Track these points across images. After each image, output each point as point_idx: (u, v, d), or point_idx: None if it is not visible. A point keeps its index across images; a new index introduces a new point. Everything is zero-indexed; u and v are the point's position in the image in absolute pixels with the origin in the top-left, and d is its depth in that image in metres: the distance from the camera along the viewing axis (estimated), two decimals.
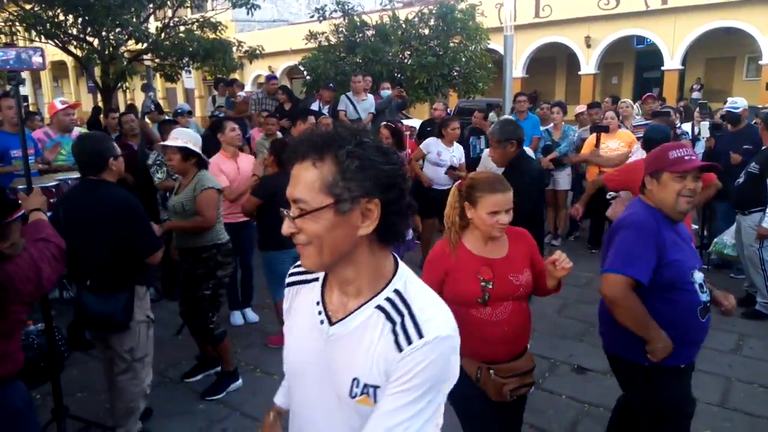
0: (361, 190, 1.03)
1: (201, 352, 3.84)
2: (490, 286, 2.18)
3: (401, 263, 1.15)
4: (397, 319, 1.06)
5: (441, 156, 5.72)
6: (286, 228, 1.06)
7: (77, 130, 5.26)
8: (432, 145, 5.78)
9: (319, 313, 1.16)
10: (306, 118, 5.41)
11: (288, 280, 1.29)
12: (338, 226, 1.04)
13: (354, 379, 1.08)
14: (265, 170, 4.44)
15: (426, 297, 1.12)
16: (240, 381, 3.69)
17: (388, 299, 1.10)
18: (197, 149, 3.44)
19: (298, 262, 1.19)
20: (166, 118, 6.79)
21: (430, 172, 5.79)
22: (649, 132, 4.34)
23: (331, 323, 1.13)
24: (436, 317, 1.07)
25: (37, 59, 2.73)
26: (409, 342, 1.03)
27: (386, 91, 8.03)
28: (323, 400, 1.15)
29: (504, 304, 2.21)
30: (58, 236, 2.29)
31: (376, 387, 1.07)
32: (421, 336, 1.03)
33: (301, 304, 1.23)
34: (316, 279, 1.21)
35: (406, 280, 1.12)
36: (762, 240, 4.43)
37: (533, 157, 5.13)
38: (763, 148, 4.72)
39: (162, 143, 3.80)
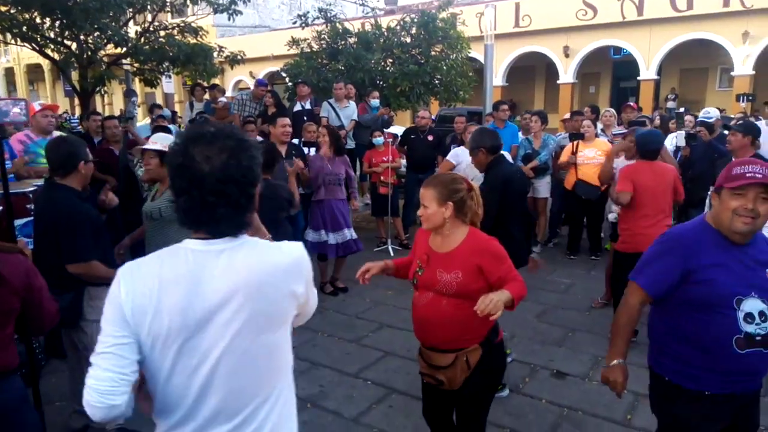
0: None
1: None
2: (420, 273, 2.45)
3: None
4: None
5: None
6: None
7: (56, 134, 5.21)
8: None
9: None
10: (275, 122, 5.51)
11: None
12: None
13: None
14: None
15: None
16: None
17: None
18: None
19: None
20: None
21: None
22: (646, 144, 4.29)
23: None
24: None
25: (17, 110, 2.79)
26: None
27: (375, 101, 8.07)
28: None
29: (426, 293, 2.41)
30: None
31: None
32: None
33: None
34: None
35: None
36: None
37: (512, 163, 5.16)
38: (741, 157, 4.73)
39: (141, 147, 3.75)
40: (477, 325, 2.31)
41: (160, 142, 3.42)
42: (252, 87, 9.07)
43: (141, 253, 3.53)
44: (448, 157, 5.78)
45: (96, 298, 2.93)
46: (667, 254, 2.07)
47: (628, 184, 4.29)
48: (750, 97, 10.39)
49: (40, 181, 4.56)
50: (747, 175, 1.92)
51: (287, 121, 5.53)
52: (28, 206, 4.04)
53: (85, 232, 2.84)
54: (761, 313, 1.97)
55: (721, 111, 8.15)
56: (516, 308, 2.27)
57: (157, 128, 5.77)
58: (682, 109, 11.28)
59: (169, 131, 5.55)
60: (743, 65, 16.55)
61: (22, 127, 4.96)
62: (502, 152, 3.91)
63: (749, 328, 1.96)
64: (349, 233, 5.53)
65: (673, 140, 6.51)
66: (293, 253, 1.43)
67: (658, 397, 2.21)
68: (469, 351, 2.34)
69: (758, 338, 1.97)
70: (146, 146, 3.45)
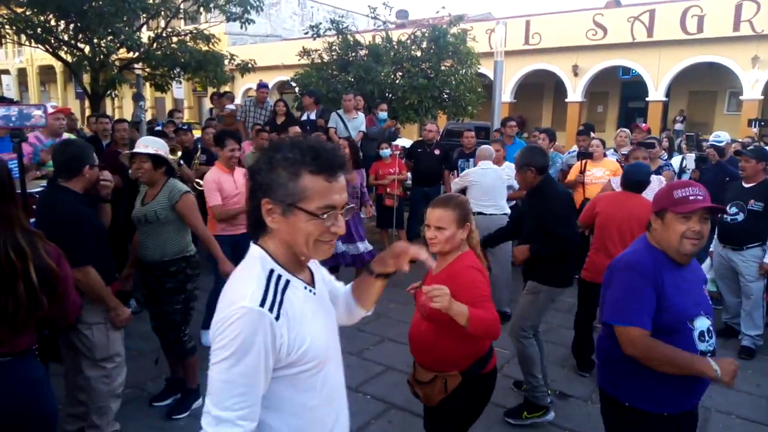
0: None
1: (172, 372, 3.71)
2: (418, 289, 2.41)
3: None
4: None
5: None
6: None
7: (66, 136, 5.24)
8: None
9: (310, 291, 1.41)
10: (288, 131, 5.53)
11: (276, 313, 1.28)
12: None
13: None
14: None
15: None
16: (201, 399, 3.57)
17: None
18: (168, 157, 3.39)
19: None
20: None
21: None
22: (630, 174, 4.23)
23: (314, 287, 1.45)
24: None
25: (38, 113, 2.81)
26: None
27: (383, 113, 8.09)
28: (335, 340, 1.49)
29: (417, 312, 2.42)
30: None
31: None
32: None
33: (296, 301, 1.34)
34: (287, 282, 1.36)
35: None
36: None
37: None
38: (750, 185, 4.61)
39: (131, 151, 3.58)
40: (456, 354, 2.28)
41: (151, 145, 3.35)
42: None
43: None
44: (472, 179, 5.55)
45: (90, 301, 2.91)
46: (644, 287, 2.02)
47: (586, 213, 4.28)
48: (762, 123, 10.32)
49: (46, 183, 4.58)
50: (690, 198, 1.99)
51: (298, 129, 5.55)
52: (34, 207, 4.04)
53: (84, 236, 2.79)
54: (708, 331, 2.07)
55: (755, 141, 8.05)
56: None
57: (153, 132, 5.75)
58: (691, 133, 11.21)
59: (164, 135, 5.51)
60: (752, 90, 16.54)
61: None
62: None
63: (702, 347, 2.04)
64: (363, 246, 5.49)
65: (684, 162, 6.50)
66: None
67: (618, 422, 2.19)
68: (448, 375, 2.29)
69: (708, 355, 2.05)
70: (137, 150, 3.34)
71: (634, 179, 4.15)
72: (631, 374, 2.06)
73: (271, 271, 1.32)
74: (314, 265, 1.52)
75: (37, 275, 1.95)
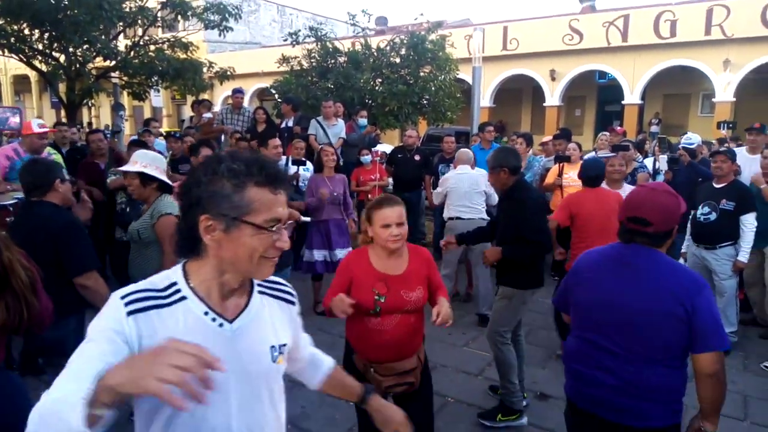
0: None
1: None
2: (383, 300, 2.41)
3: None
4: (269, 291, 1.39)
5: None
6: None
7: (48, 152, 5.15)
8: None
9: (213, 320, 1.23)
10: (267, 143, 5.49)
11: (132, 308, 1.17)
12: None
13: (271, 347, 1.31)
14: None
15: None
16: None
17: (259, 284, 1.36)
18: (157, 173, 3.23)
19: (133, 290, 1.20)
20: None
21: None
22: (587, 170, 4.41)
23: (230, 321, 1.26)
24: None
25: (14, 120, 2.75)
26: (292, 294, 1.44)
27: (363, 120, 8.11)
28: (241, 393, 1.25)
29: (393, 316, 2.43)
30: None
31: (284, 345, 1.35)
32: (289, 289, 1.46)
33: (172, 318, 1.19)
34: (181, 299, 1.22)
35: None
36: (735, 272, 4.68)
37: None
38: (721, 185, 4.72)
39: (121, 168, 3.53)
40: (422, 326, 2.62)
41: (140, 161, 3.25)
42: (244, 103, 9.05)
43: (124, 274, 3.46)
44: (450, 184, 5.57)
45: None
46: None
47: (563, 215, 4.33)
48: (730, 125, 10.61)
49: (21, 195, 4.50)
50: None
51: (278, 142, 5.52)
52: (7, 219, 3.98)
53: (87, 241, 2.77)
54: None
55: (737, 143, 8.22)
56: None
57: (136, 143, 5.67)
58: (662, 136, 11.38)
59: (145, 145, 5.43)
60: (724, 92, 16.94)
61: (17, 134, 4.90)
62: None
63: None
64: (341, 254, 5.47)
65: (656, 163, 6.63)
66: None
67: None
68: (419, 348, 2.59)
69: None
70: (125, 168, 3.28)
71: (592, 174, 4.35)
72: (680, 396, 2.14)
73: (172, 284, 1.23)
74: (276, 309, 1.38)
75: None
